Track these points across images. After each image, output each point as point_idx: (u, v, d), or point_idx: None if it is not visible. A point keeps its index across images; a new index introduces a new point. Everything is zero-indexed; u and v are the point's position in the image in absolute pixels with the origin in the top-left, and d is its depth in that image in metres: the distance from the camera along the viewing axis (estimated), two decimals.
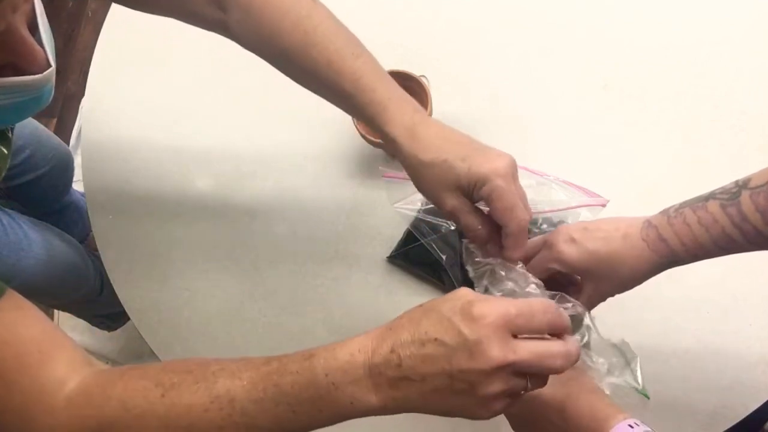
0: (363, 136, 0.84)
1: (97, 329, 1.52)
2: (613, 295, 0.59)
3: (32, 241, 1.04)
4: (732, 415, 0.71)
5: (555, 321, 0.45)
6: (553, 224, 0.77)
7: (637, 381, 0.64)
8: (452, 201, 0.58)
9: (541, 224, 0.77)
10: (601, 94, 0.89)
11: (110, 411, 0.47)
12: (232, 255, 0.89)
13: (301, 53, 0.63)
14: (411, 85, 0.84)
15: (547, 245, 0.60)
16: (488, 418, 0.44)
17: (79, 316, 1.40)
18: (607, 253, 0.57)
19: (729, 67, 0.88)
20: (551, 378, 0.55)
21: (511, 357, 0.42)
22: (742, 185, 0.54)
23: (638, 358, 0.66)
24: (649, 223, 0.57)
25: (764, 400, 0.71)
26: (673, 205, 0.58)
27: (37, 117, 1.20)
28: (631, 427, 0.50)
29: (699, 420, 0.72)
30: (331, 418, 0.45)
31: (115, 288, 0.91)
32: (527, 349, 0.43)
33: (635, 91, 0.89)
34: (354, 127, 0.83)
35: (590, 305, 0.60)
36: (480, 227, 0.58)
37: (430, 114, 0.82)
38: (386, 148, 0.60)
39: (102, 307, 1.32)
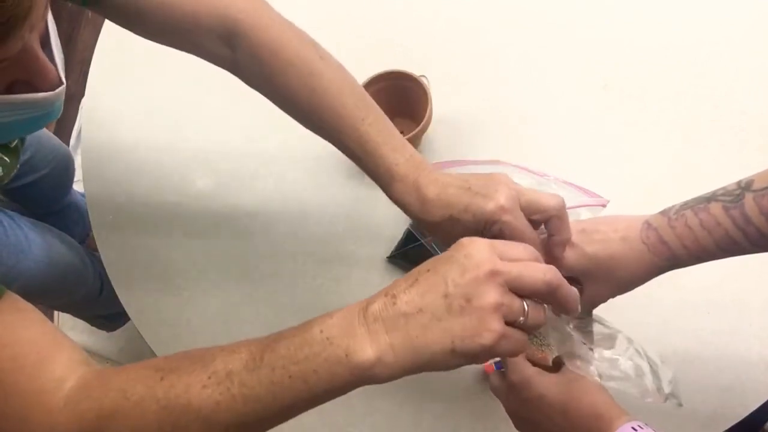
0: None
1: (97, 330, 1.52)
2: (613, 297, 0.59)
3: (32, 242, 1.04)
4: (732, 415, 0.71)
5: (535, 255, 0.46)
6: None
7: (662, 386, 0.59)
8: None
9: None
10: (601, 94, 0.89)
11: (109, 402, 0.46)
12: (232, 255, 0.89)
13: (308, 111, 0.65)
14: (411, 85, 0.84)
15: (544, 249, 0.59)
16: (491, 344, 0.42)
17: (78, 316, 1.40)
18: (606, 256, 0.56)
19: (729, 67, 0.88)
20: (554, 378, 0.55)
21: (500, 264, 0.43)
22: (744, 187, 0.53)
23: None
24: (648, 224, 0.57)
25: (764, 400, 0.71)
26: (673, 206, 0.57)
27: None
28: (635, 429, 0.49)
29: (699, 420, 0.72)
30: (329, 382, 0.43)
31: (115, 288, 0.91)
32: (514, 259, 0.44)
33: (635, 91, 0.89)
34: None
35: (591, 306, 0.60)
36: None
37: (430, 114, 0.82)
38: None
39: (102, 308, 1.32)
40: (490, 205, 0.55)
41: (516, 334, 0.43)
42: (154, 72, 1.04)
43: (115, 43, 1.06)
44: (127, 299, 0.90)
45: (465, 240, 0.45)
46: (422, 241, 0.80)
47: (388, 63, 0.85)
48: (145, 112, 1.00)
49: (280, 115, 0.97)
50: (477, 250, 0.44)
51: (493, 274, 0.42)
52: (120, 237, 0.94)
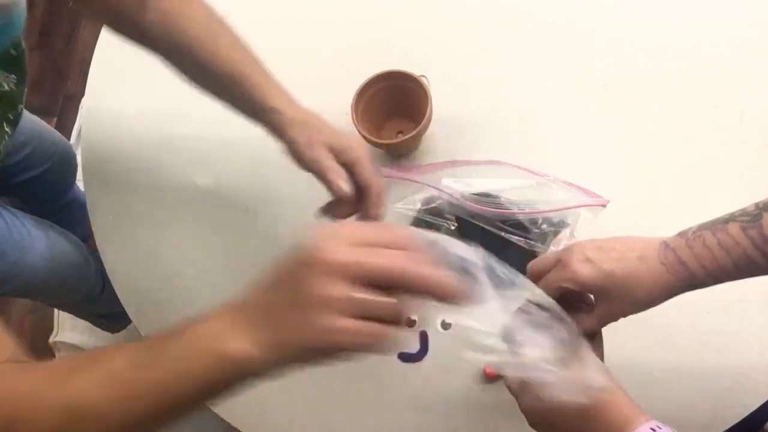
0: (363, 136, 0.84)
1: (97, 330, 1.52)
2: (625, 316, 0.59)
3: (35, 239, 1.04)
4: (732, 415, 0.71)
5: (394, 239, 0.43)
6: (553, 224, 0.77)
7: None
8: (323, 153, 0.68)
9: (541, 224, 0.77)
10: (601, 94, 0.89)
11: (11, 405, 0.45)
12: (232, 255, 0.89)
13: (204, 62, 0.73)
14: (411, 85, 0.84)
15: (561, 264, 0.60)
16: (328, 341, 0.40)
17: (80, 316, 1.40)
18: (623, 275, 0.56)
19: (729, 67, 0.88)
20: None
21: (334, 254, 0.40)
22: (763, 208, 0.54)
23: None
24: (666, 245, 0.57)
25: (764, 400, 0.71)
26: (690, 228, 0.57)
27: (38, 116, 1.20)
28: (654, 430, 0.49)
29: (699, 420, 0.72)
30: (204, 379, 0.43)
31: (115, 288, 0.91)
32: (367, 243, 0.41)
33: (635, 91, 0.89)
34: (354, 127, 0.83)
35: (601, 325, 0.60)
36: (347, 187, 0.67)
37: (430, 114, 0.82)
38: (265, 121, 0.74)
39: (102, 307, 1.32)
40: (353, 141, 0.69)
41: (366, 328, 0.40)
42: (154, 72, 1.04)
43: (115, 43, 1.06)
44: (127, 299, 0.90)
45: (313, 228, 0.43)
46: None
47: (388, 63, 0.85)
48: (145, 112, 1.00)
49: None
50: (318, 239, 0.41)
51: (324, 263, 0.40)
52: (120, 237, 0.94)
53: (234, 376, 0.43)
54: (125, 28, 0.76)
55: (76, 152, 1.35)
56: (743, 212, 0.55)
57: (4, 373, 0.48)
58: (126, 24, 0.75)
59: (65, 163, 1.29)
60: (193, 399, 0.44)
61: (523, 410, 0.58)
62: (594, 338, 0.60)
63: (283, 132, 0.71)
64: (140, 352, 0.45)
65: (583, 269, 0.57)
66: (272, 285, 0.43)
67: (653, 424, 0.50)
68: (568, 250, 0.60)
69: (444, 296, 0.43)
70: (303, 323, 0.41)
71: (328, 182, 0.68)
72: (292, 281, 0.42)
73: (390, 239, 0.42)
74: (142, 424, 0.45)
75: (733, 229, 0.54)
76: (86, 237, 1.38)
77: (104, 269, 0.97)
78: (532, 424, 0.59)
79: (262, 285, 0.44)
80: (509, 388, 0.59)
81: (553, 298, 0.57)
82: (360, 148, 0.68)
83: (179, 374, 0.43)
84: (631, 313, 0.59)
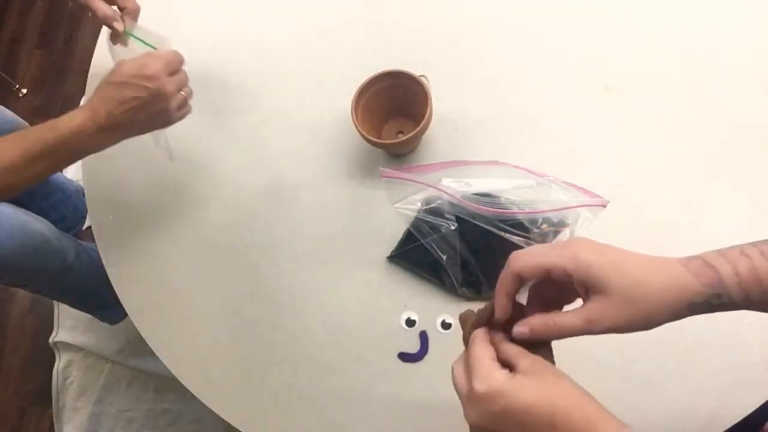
0: (363, 136, 0.84)
1: (97, 330, 1.52)
2: (619, 326, 0.47)
3: (2, 215, 1.01)
4: (732, 415, 0.71)
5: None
6: (553, 224, 0.77)
7: None
8: None
9: (541, 224, 0.77)
10: (602, 95, 0.89)
11: None
12: (233, 255, 0.89)
13: None
14: (411, 85, 0.84)
15: (557, 244, 0.50)
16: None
17: (72, 305, 1.37)
18: (637, 265, 0.47)
19: (729, 67, 0.88)
20: (534, 383, 0.46)
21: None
22: None
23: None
24: (689, 257, 0.48)
25: (764, 400, 0.71)
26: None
27: (38, 116, 1.20)
28: None
29: (699, 420, 0.72)
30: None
31: (115, 288, 0.91)
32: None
33: (636, 91, 0.89)
34: (354, 127, 0.83)
35: (583, 330, 0.47)
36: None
37: (430, 114, 0.82)
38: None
39: (80, 282, 1.25)
40: None
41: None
42: None
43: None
44: (127, 299, 0.90)
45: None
46: (422, 241, 0.80)
47: (388, 63, 0.85)
48: None
49: (279, 116, 0.97)
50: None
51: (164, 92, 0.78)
52: (120, 237, 0.94)
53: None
54: None
55: None
56: None
57: None
58: None
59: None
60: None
61: (472, 426, 0.48)
62: (539, 348, 0.50)
63: None
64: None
65: (587, 252, 0.47)
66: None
67: None
68: (567, 240, 0.55)
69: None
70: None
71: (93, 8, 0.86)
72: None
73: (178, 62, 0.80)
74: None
75: None
76: (74, 226, 1.37)
77: (80, 246, 1.03)
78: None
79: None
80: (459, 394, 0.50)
81: (532, 283, 0.50)
82: None
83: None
84: (629, 323, 0.47)
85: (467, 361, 0.49)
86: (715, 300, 0.46)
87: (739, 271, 0.45)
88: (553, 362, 0.49)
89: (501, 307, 0.50)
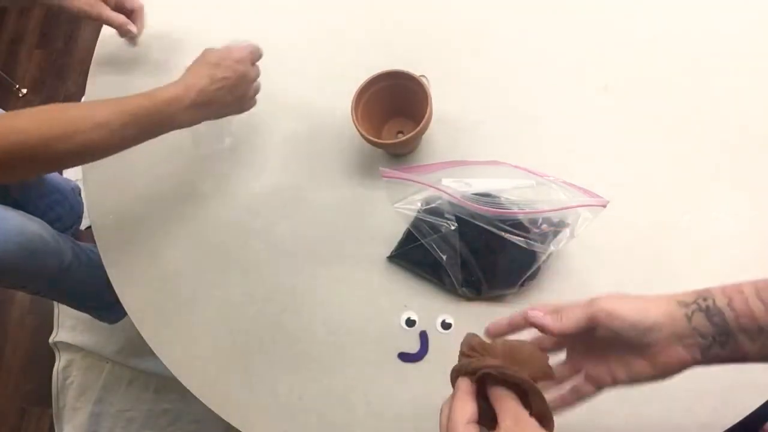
0: (363, 136, 0.84)
1: (97, 330, 1.52)
2: (638, 381, 0.53)
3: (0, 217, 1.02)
4: (732, 415, 0.71)
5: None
6: (553, 224, 0.77)
7: None
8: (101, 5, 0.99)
9: (541, 224, 0.77)
10: (602, 95, 0.89)
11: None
12: (232, 255, 0.89)
13: None
14: (411, 85, 0.84)
15: (588, 302, 0.52)
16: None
17: (71, 305, 1.37)
18: (659, 313, 0.50)
19: (729, 67, 0.88)
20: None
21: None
22: None
23: None
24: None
25: (764, 400, 0.71)
26: None
27: None
28: None
29: (699, 420, 0.72)
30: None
31: (115, 288, 0.91)
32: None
33: (636, 91, 0.89)
34: (354, 127, 0.83)
35: (587, 315, 0.51)
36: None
37: (430, 114, 0.82)
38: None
39: (79, 283, 1.25)
40: None
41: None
42: (153, 72, 1.04)
43: (115, 43, 1.06)
44: (127, 299, 0.90)
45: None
46: (422, 241, 0.80)
47: (388, 63, 0.85)
48: None
49: (279, 116, 0.97)
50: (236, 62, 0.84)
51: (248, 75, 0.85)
52: (120, 237, 0.94)
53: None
54: None
55: None
56: None
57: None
58: None
59: None
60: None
61: None
62: (533, 397, 0.48)
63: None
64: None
65: (618, 301, 0.50)
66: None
67: None
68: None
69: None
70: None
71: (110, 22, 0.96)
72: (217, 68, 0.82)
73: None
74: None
75: None
76: (70, 227, 1.37)
77: (77, 246, 1.03)
78: None
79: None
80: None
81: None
82: None
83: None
84: (647, 375, 0.52)
85: (448, 415, 0.48)
86: (702, 302, 0.50)
87: (734, 307, 0.49)
88: (547, 409, 0.48)
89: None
